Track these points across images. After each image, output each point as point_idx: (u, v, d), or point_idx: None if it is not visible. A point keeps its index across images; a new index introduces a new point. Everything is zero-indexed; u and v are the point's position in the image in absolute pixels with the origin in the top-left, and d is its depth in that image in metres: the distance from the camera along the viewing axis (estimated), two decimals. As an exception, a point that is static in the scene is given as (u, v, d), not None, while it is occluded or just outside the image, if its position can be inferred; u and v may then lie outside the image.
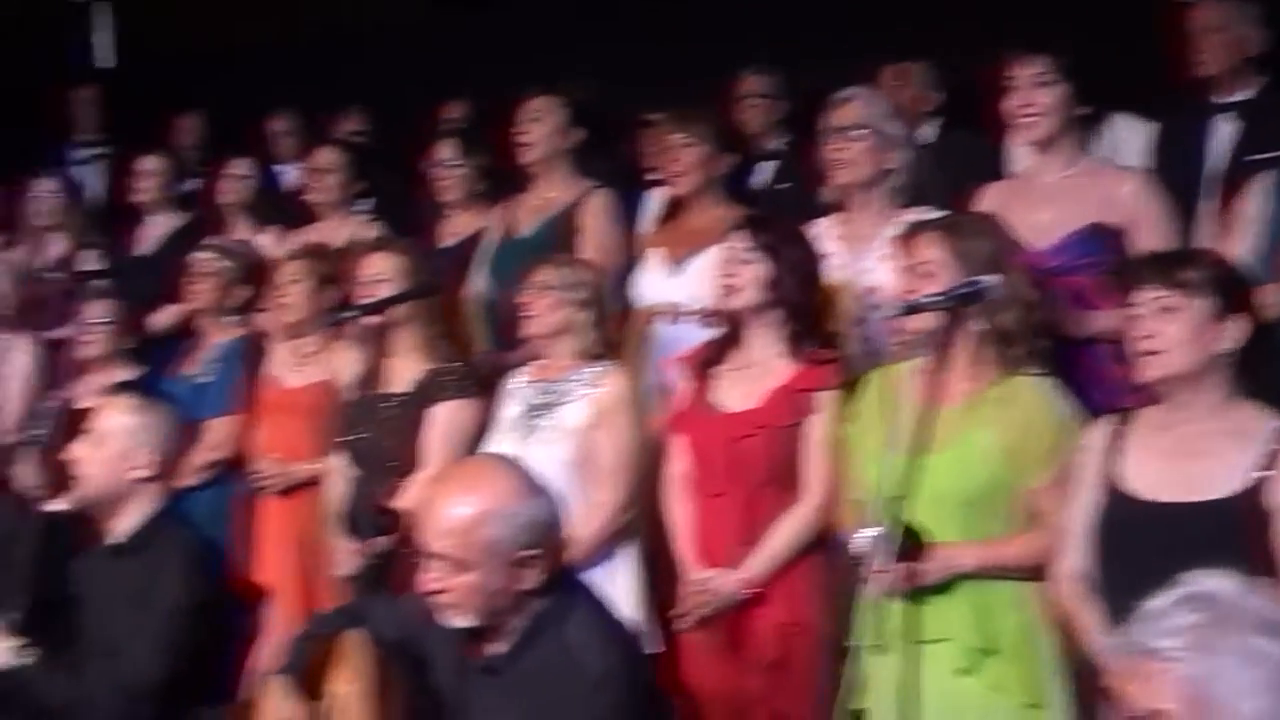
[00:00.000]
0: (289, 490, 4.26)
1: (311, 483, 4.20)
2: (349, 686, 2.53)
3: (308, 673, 2.62)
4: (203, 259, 4.74)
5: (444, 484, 2.60)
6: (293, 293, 4.35)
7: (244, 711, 3.52)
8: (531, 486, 2.48)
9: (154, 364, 4.90)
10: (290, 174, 6.14)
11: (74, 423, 4.19)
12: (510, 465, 2.61)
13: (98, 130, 6.98)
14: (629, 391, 3.73)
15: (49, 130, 7.07)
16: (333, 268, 4.42)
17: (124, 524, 3.27)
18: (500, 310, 4.29)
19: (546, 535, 2.43)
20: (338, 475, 4.06)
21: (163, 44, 8.02)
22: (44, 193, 5.81)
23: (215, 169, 5.66)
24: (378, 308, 3.94)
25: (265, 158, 6.20)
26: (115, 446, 3.27)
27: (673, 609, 3.38)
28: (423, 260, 4.13)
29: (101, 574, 3.28)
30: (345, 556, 3.93)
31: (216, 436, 4.45)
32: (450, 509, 2.43)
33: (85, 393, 4.66)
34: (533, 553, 2.39)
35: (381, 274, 3.98)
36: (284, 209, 5.46)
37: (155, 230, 5.75)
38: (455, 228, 4.82)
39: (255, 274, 4.75)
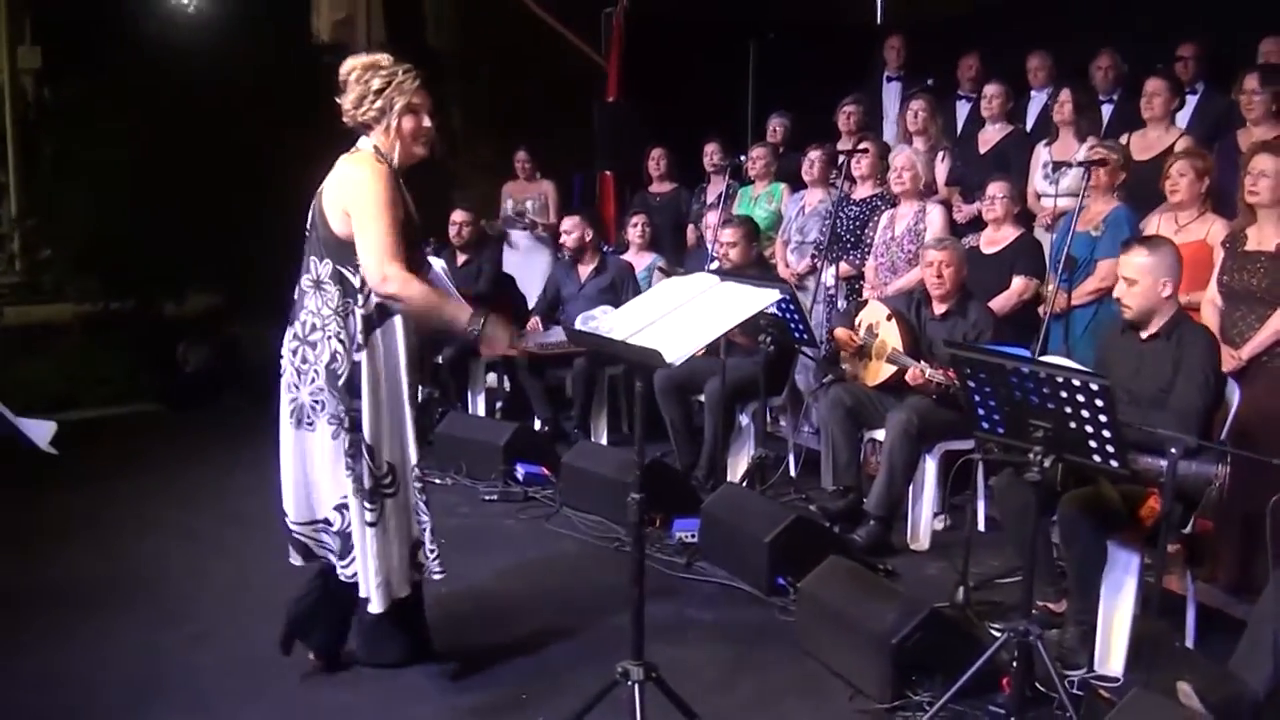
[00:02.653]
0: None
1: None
2: None
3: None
4: (1100, 152, 5.48)
5: None
6: (1180, 182, 5.08)
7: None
8: None
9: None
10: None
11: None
12: None
13: (900, 66, 7.98)
14: None
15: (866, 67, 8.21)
16: (1205, 164, 5.12)
17: (1156, 324, 4.16)
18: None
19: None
20: (1210, 305, 4.81)
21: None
22: (918, 109, 6.81)
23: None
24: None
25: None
26: (1148, 279, 4.12)
27: None
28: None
29: (1145, 354, 4.19)
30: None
31: (1104, 271, 5.28)
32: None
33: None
34: None
35: (1265, 170, 4.59)
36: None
37: (993, 137, 6.76)
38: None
39: (1128, 163, 5.55)
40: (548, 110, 10.14)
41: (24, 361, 8.73)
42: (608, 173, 9.09)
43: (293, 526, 3.66)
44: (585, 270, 6.96)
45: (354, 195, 3.42)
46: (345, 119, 3.54)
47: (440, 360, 6.95)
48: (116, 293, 10.74)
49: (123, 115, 10.12)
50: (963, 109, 7.44)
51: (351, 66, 3.51)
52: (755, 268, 6.14)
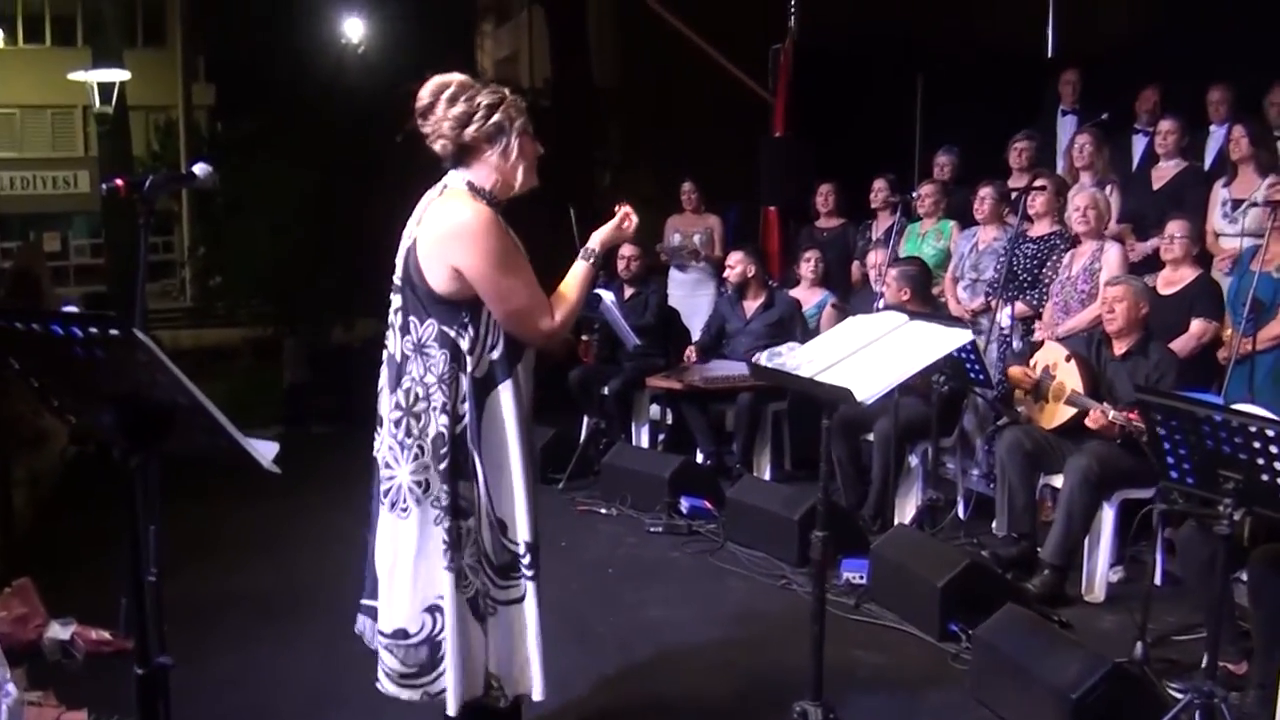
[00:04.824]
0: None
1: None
2: None
3: None
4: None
5: None
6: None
7: None
8: None
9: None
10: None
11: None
12: None
13: (1076, 100, 7.94)
14: None
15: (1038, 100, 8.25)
16: None
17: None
18: None
19: None
20: None
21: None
22: (1083, 143, 6.80)
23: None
24: None
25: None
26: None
27: None
28: None
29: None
30: None
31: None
32: None
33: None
34: None
35: None
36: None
37: (1167, 173, 6.72)
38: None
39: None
40: (708, 145, 10.32)
41: (196, 383, 9.20)
42: (771, 207, 9.20)
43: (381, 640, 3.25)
44: (752, 305, 7.09)
45: (466, 256, 2.99)
46: (441, 143, 3.09)
47: (605, 392, 7.16)
48: (286, 318, 11.32)
49: (292, 150, 10.67)
50: (1139, 143, 7.33)
51: (443, 83, 3.08)
52: (924, 305, 6.16)
